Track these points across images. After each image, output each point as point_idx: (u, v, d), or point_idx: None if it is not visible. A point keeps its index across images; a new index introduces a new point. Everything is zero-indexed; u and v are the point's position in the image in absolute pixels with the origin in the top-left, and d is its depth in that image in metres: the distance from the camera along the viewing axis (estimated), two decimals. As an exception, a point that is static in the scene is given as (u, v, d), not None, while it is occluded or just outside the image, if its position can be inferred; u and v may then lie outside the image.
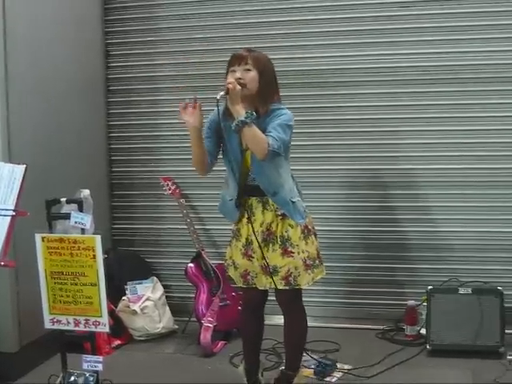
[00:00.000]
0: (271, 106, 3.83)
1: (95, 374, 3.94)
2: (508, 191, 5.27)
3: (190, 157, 5.73)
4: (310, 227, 4.00)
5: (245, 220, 3.97)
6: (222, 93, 3.63)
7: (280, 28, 5.52)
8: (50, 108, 5.02)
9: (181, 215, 5.59)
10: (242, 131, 3.68)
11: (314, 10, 5.46)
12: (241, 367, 4.35)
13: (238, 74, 3.75)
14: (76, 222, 3.79)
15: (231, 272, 4.15)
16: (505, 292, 4.88)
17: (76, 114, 5.35)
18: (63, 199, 3.94)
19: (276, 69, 3.94)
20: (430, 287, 4.98)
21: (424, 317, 5.05)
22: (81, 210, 3.87)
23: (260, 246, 3.89)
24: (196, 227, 5.58)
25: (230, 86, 3.62)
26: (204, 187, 5.78)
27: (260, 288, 4.02)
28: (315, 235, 4.05)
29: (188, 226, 5.53)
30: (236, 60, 3.80)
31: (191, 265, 5.38)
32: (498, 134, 5.23)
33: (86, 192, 4.05)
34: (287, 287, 3.91)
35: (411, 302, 5.24)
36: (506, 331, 4.85)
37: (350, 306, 5.61)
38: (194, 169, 5.63)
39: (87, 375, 3.96)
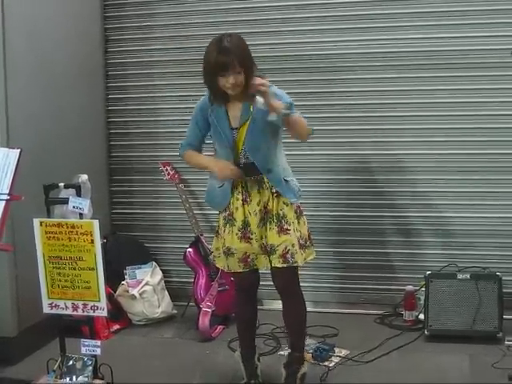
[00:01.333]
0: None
1: (93, 358, 3.96)
2: (507, 176, 5.26)
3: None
4: (301, 208, 4.04)
5: (238, 203, 3.95)
6: (261, 100, 3.60)
7: (279, 13, 5.51)
8: (49, 93, 5.01)
9: (180, 200, 5.59)
10: (286, 121, 3.72)
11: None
12: (237, 352, 4.36)
13: (231, 81, 3.72)
14: (74, 207, 3.79)
15: (222, 262, 4.11)
16: (503, 278, 4.89)
17: (75, 98, 5.34)
18: (61, 184, 3.94)
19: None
20: (428, 272, 4.98)
21: (422, 302, 5.06)
22: (79, 194, 3.88)
23: (259, 225, 3.93)
24: (195, 212, 5.59)
25: (264, 88, 3.59)
26: (203, 172, 5.74)
27: (262, 269, 4.03)
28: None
29: (187, 210, 5.53)
30: (224, 69, 3.71)
31: (190, 249, 5.39)
32: (501, 120, 5.23)
33: (84, 177, 4.06)
34: (285, 265, 3.91)
35: (409, 288, 5.25)
36: (504, 316, 4.86)
37: (348, 292, 5.62)
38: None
39: (85, 359, 3.98)
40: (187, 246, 5.44)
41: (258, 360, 4.32)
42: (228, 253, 4.03)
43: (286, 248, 3.90)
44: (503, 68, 5.11)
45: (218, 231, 4.11)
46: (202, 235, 5.46)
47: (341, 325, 4.97)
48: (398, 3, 5.30)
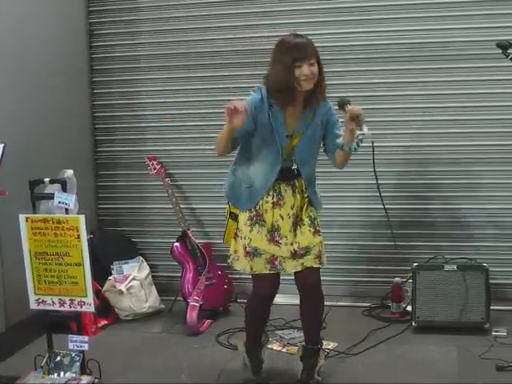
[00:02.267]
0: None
1: (81, 354, 3.96)
2: (494, 168, 5.28)
3: (175, 136, 5.76)
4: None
5: (268, 205, 3.89)
6: (366, 129, 3.58)
7: (279, 5, 5.50)
8: (34, 88, 4.99)
9: (166, 194, 5.58)
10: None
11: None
12: (241, 347, 4.31)
13: (306, 71, 3.65)
14: (60, 202, 3.78)
15: (241, 264, 3.95)
16: (490, 268, 4.90)
17: (60, 93, 5.32)
18: (47, 179, 3.93)
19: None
20: (415, 264, 4.99)
21: (410, 294, 5.06)
22: (64, 190, 3.87)
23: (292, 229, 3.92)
24: (181, 206, 5.58)
25: (362, 116, 3.59)
26: (189, 166, 5.78)
27: (292, 271, 3.99)
28: None
29: (173, 205, 5.52)
30: (303, 54, 3.66)
31: (177, 244, 5.38)
32: (483, 111, 5.26)
33: (69, 172, 4.03)
34: (320, 265, 3.97)
35: (397, 279, 5.26)
36: (492, 307, 4.87)
37: (336, 284, 5.62)
38: (177, 148, 5.64)
39: (73, 355, 3.98)
40: (174, 240, 5.42)
41: (264, 353, 4.30)
42: (254, 253, 3.92)
43: (319, 249, 3.95)
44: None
45: (236, 233, 3.97)
46: (188, 229, 5.45)
47: (329, 317, 4.97)
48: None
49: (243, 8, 5.53)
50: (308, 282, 4.03)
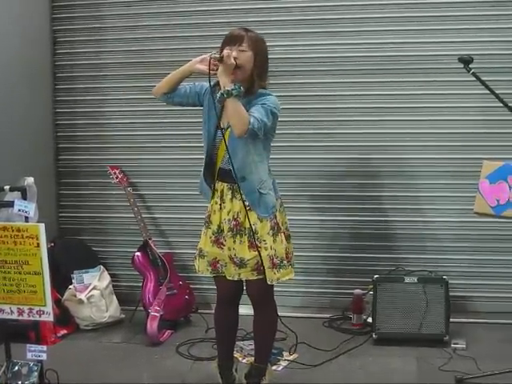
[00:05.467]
0: (260, 90, 3.79)
1: (39, 364, 3.92)
2: (452, 181, 5.34)
3: (138, 145, 5.76)
4: (281, 225, 3.92)
5: (216, 207, 3.89)
6: (217, 55, 3.57)
7: (251, 16, 5.49)
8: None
9: (128, 204, 5.55)
10: (225, 102, 3.59)
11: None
12: (214, 364, 4.23)
13: (233, 54, 3.67)
14: (19, 210, 3.75)
15: (196, 263, 4.03)
16: (450, 281, 4.94)
17: (21, 100, 5.29)
18: (7, 187, 3.89)
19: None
20: (376, 276, 5.02)
21: (370, 305, 5.08)
22: (24, 197, 3.83)
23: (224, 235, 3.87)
24: (143, 216, 5.55)
25: (226, 53, 3.56)
26: (151, 175, 5.77)
27: (229, 278, 3.92)
28: (287, 237, 3.99)
29: (135, 214, 5.49)
30: (232, 39, 3.73)
31: (138, 253, 5.36)
32: (451, 125, 5.32)
33: (29, 180, 4.00)
34: (260, 276, 3.83)
35: (358, 291, 5.28)
36: (451, 320, 4.91)
37: (297, 295, 5.63)
38: (140, 157, 5.63)
39: (31, 365, 3.93)
40: (135, 249, 5.40)
41: (236, 371, 4.20)
42: (200, 254, 3.99)
43: (257, 263, 3.82)
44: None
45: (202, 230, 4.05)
46: (150, 239, 5.43)
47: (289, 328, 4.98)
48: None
49: (209, 18, 5.54)
50: (250, 294, 4.00)
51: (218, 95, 3.59)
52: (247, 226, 3.80)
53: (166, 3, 5.60)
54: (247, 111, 3.63)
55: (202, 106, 3.94)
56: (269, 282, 3.85)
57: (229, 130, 3.76)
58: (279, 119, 3.82)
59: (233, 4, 5.52)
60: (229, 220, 3.84)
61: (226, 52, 3.60)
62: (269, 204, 3.83)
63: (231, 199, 3.83)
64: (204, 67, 3.71)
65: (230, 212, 3.84)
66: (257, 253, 3.78)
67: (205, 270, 4.00)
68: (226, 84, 3.57)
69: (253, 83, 3.76)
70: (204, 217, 4.01)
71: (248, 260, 3.81)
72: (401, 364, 4.58)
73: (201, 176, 3.99)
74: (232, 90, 3.55)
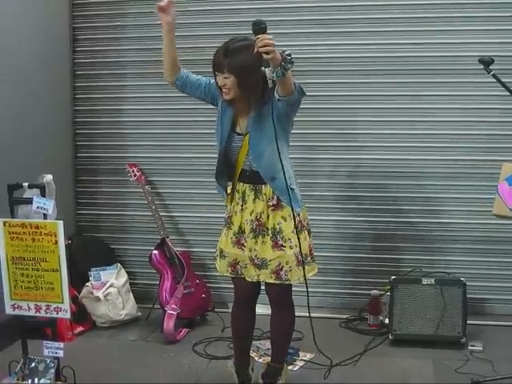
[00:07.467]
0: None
1: (56, 361, 3.94)
2: (471, 183, 5.31)
3: (157, 143, 5.77)
4: (303, 222, 3.91)
5: (238, 208, 3.88)
6: (270, 68, 3.36)
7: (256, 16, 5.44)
8: (13, 92, 4.96)
9: (146, 202, 5.56)
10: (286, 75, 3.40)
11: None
12: (230, 363, 4.25)
13: (219, 82, 3.69)
14: (38, 207, 3.76)
15: (217, 263, 4.05)
16: (467, 283, 4.91)
17: (41, 98, 5.30)
18: (25, 184, 3.91)
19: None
20: (393, 277, 5.00)
21: (387, 306, 5.07)
22: (43, 195, 3.85)
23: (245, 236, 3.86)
24: (161, 214, 5.56)
25: (267, 49, 3.31)
26: (169, 174, 5.76)
27: (248, 279, 3.92)
28: (309, 232, 3.97)
29: (153, 212, 5.50)
30: (214, 67, 3.72)
31: (155, 252, 5.37)
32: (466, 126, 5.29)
33: (48, 177, 4.01)
34: (277, 281, 3.83)
35: (375, 292, 5.27)
36: (468, 322, 4.89)
37: (313, 295, 5.58)
38: (158, 156, 5.65)
39: (48, 361, 3.95)
40: (153, 248, 5.41)
41: (252, 371, 4.22)
42: (220, 255, 4.00)
43: (279, 265, 3.80)
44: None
45: (221, 231, 4.05)
46: (167, 237, 5.43)
47: (305, 328, 4.96)
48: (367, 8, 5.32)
49: (224, 17, 5.54)
50: (269, 296, 4.00)
51: (281, 70, 3.35)
52: (270, 226, 3.81)
53: (186, 2, 5.58)
54: (272, 108, 3.59)
55: (213, 105, 3.97)
56: (295, 282, 3.87)
57: (248, 135, 3.76)
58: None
59: (245, 4, 5.51)
60: (251, 221, 3.84)
61: (259, 46, 3.33)
62: (298, 197, 3.87)
63: (254, 200, 3.83)
64: (164, 16, 3.75)
65: (252, 213, 3.84)
66: (280, 253, 3.79)
67: (225, 271, 4.01)
68: (279, 58, 3.35)
69: (253, 97, 3.73)
70: (223, 216, 4.02)
71: (270, 260, 3.81)
72: (417, 365, 4.57)
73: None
74: (290, 58, 3.38)
